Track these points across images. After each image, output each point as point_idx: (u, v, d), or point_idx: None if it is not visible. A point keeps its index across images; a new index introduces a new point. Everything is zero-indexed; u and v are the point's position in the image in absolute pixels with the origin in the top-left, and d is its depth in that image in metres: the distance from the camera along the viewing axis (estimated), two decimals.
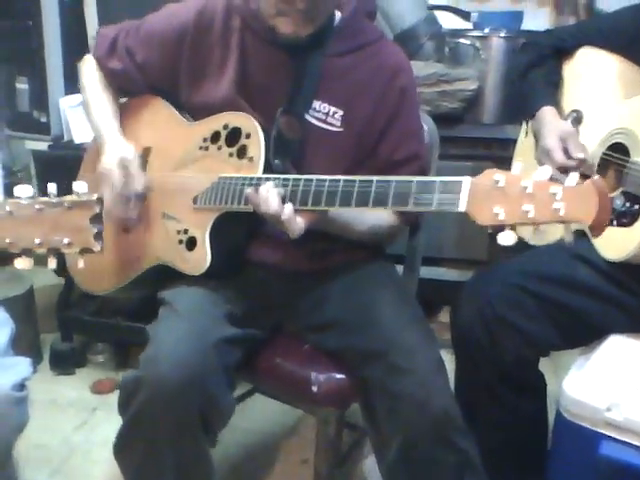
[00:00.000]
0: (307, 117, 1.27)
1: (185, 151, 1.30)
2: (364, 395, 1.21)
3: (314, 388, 1.26)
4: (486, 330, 1.31)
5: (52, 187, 1.02)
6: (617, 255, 1.28)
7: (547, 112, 1.41)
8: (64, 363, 2.18)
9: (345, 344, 1.24)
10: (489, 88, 2.07)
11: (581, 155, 1.32)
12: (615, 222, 1.28)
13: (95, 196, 1.02)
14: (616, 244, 1.28)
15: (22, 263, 1.03)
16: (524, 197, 0.90)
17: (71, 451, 1.82)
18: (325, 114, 1.27)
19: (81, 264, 1.03)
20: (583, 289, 1.32)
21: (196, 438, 1.15)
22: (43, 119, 2.05)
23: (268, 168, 1.20)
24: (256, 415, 1.93)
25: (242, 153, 1.22)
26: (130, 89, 1.41)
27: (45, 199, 1.02)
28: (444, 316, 2.28)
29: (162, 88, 1.37)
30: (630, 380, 1.21)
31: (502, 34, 2.06)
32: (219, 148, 1.25)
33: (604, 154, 1.33)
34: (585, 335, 1.35)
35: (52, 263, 1.03)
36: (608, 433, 1.18)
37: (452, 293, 1.72)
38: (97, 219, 1.01)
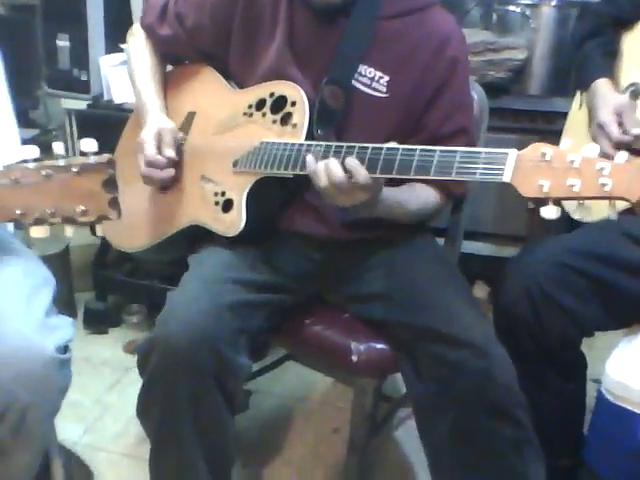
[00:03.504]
0: (353, 82, 1.24)
1: (229, 117, 1.31)
2: (412, 367, 1.20)
3: (354, 357, 1.25)
4: (532, 309, 1.28)
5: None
6: None
7: (602, 84, 1.36)
8: (98, 322, 2.20)
9: (394, 318, 1.22)
10: (537, 58, 2.01)
11: (637, 131, 1.27)
12: None
13: (106, 158, 0.93)
14: None
15: (37, 232, 0.97)
16: (570, 171, 0.89)
17: (104, 410, 1.85)
18: (370, 79, 1.25)
19: (99, 231, 0.98)
20: (631, 268, 1.28)
21: (213, 399, 1.15)
22: (83, 77, 2.05)
23: (310, 137, 1.19)
24: (289, 382, 1.94)
25: (286, 120, 1.22)
26: (179, 56, 1.43)
27: (51, 163, 0.94)
28: (477, 291, 2.26)
29: (211, 53, 1.37)
30: None
31: (553, 3, 1.99)
32: (263, 115, 1.26)
33: None
34: (632, 315, 1.31)
35: (69, 232, 0.96)
36: None
37: (488, 268, 1.69)
38: (110, 184, 0.93)
